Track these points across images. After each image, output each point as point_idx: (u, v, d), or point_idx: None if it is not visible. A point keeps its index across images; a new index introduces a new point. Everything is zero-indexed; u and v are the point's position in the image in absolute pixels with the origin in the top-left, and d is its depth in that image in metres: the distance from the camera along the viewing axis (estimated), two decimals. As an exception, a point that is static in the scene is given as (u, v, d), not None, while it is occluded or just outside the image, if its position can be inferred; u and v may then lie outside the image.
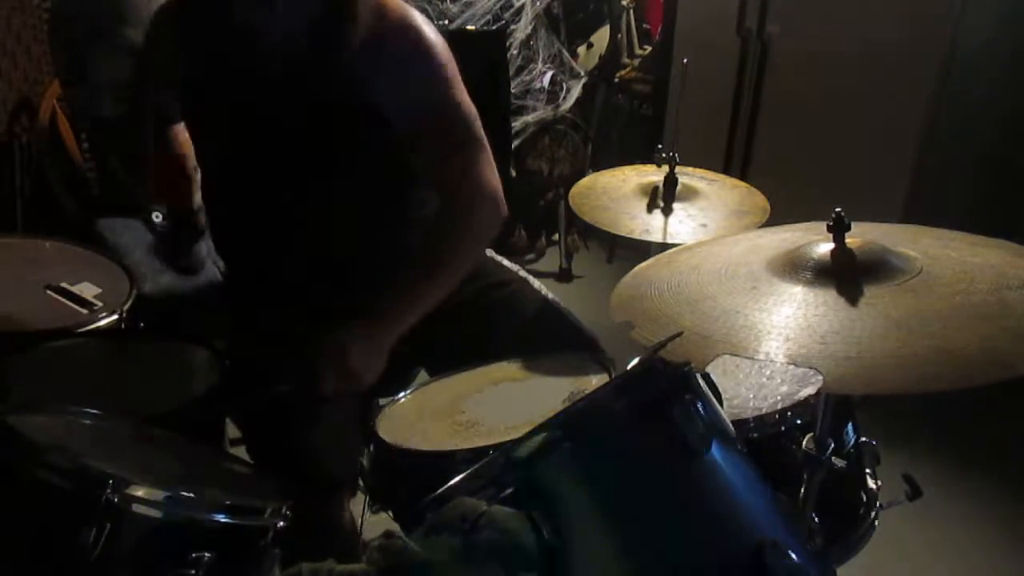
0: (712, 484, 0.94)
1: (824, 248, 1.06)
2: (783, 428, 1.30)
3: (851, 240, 1.05)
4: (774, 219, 1.60)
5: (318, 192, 1.44)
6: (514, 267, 1.69)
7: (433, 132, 1.40)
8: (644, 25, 3.80)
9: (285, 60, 1.36)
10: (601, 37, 3.65)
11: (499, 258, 1.69)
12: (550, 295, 1.64)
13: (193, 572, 0.96)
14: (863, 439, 1.41)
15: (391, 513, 1.20)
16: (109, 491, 0.94)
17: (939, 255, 1.05)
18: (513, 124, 3.20)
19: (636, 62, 3.70)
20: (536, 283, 1.66)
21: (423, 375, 1.59)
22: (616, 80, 3.70)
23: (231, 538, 1.03)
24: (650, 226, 1.65)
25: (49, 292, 1.71)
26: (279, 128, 1.39)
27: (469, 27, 3.11)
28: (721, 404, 1.03)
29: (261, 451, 1.48)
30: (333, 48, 1.35)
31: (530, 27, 3.13)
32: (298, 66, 1.36)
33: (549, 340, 1.47)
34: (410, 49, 1.38)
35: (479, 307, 1.55)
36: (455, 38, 2.31)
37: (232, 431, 1.58)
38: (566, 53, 3.37)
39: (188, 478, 1.14)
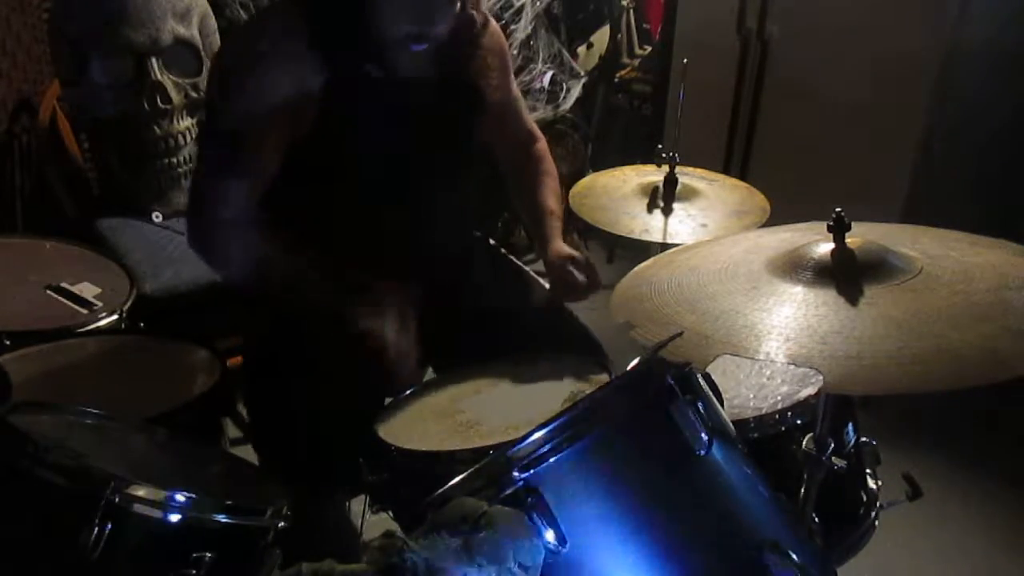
0: (713, 484, 0.95)
1: (824, 248, 1.06)
2: (783, 428, 1.30)
3: (851, 240, 1.05)
4: (774, 219, 1.60)
5: (449, 186, 1.53)
6: (525, 267, 1.69)
7: (517, 98, 1.69)
8: (644, 25, 3.80)
9: (433, 75, 1.41)
10: (601, 37, 3.64)
11: (510, 257, 1.69)
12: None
13: (194, 572, 0.96)
14: (863, 439, 1.41)
15: (391, 513, 1.20)
16: (110, 491, 0.94)
17: (939, 255, 1.05)
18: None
19: (636, 62, 3.70)
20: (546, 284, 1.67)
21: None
22: (616, 80, 3.69)
23: (231, 538, 1.03)
24: (650, 226, 1.65)
25: (49, 292, 1.71)
26: (429, 131, 1.44)
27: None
28: (721, 404, 1.03)
29: (266, 445, 1.48)
30: (462, 49, 1.47)
31: (530, 27, 3.12)
32: (442, 72, 1.42)
33: (555, 341, 1.48)
34: (498, 31, 1.58)
35: (490, 305, 1.56)
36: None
37: (232, 431, 1.58)
38: (566, 53, 3.36)
39: (188, 478, 1.14)
